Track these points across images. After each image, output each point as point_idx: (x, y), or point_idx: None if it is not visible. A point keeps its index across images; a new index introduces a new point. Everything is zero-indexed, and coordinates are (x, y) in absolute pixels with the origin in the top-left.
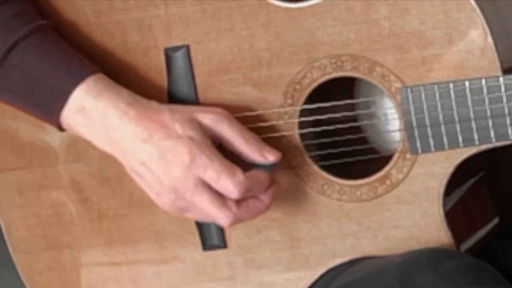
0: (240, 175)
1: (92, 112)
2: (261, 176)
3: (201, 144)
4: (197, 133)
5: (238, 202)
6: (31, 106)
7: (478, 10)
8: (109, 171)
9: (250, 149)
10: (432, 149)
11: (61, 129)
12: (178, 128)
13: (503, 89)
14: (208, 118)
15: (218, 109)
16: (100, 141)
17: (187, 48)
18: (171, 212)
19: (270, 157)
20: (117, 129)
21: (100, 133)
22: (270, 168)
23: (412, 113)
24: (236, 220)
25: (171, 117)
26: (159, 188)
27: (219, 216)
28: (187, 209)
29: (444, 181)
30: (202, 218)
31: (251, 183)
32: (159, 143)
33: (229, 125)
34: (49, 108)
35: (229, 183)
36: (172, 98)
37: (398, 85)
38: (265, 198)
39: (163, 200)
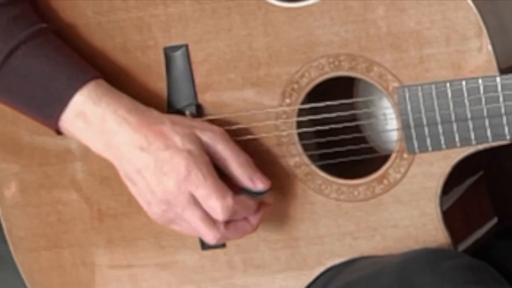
0: (229, 199)
1: (92, 117)
2: (249, 202)
3: (198, 160)
4: (196, 148)
5: (227, 222)
6: (30, 109)
7: (475, 10)
8: (109, 171)
9: (242, 172)
10: (429, 148)
11: (58, 132)
12: (178, 140)
13: (499, 88)
14: (207, 136)
15: (216, 128)
16: (98, 146)
17: (186, 47)
18: (159, 222)
19: (259, 184)
20: (115, 134)
21: (98, 138)
22: (258, 195)
23: (409, 113)
24: (222, 239)
25: (172, 129)
26: (151, 198)
27: (206, 234)
28: (175, 222)
29: (441, 180)
30: (188, 232)
31: (238, 208)
32: (157, 153)
33: (224, 145)
34: (48, 112)
35: (217, 205)
36: (171, 97)
37: (396, 84)
38: (254, 220)
39: (153, 210)
